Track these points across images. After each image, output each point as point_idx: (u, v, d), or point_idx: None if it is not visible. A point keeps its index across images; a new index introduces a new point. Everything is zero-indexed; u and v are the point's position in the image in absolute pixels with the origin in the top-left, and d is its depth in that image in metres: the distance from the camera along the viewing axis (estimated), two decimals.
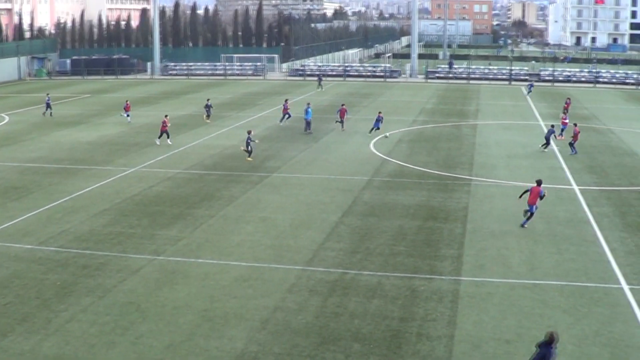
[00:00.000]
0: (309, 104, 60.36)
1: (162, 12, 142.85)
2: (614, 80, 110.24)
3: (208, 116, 63.70)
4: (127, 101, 65.87)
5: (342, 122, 58.68)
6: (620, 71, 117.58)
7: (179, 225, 32.25)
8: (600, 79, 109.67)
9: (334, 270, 26.62)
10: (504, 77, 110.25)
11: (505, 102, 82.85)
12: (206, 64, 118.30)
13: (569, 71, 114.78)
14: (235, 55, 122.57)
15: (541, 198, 32.66)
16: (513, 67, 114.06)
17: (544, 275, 26.63)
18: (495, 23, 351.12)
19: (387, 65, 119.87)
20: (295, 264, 27.27)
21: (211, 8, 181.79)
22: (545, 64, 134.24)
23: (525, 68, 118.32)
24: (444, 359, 19.96)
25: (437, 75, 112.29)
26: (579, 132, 51.16)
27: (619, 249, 29.86)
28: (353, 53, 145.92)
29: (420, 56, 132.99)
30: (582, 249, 29.80)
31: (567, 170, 44.73)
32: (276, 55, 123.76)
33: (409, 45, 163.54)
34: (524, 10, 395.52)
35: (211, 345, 20.59)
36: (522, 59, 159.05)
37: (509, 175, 43.20)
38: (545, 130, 54.47)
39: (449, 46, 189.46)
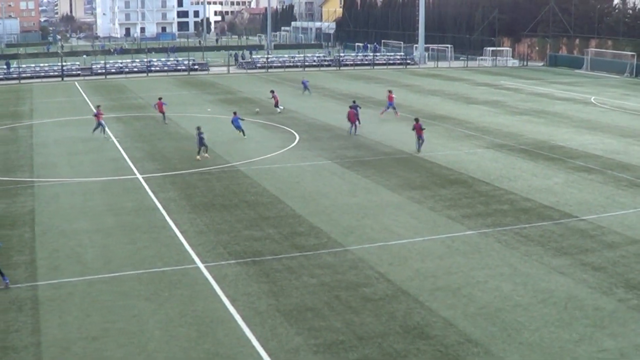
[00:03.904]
0: None
1: None
2: (165, 68, 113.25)
3: None
4: None
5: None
6: (171, 59, 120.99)
7: None
8: (153, 68, 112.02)
9: None
10: (56, 73, 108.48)
11: (60, 98, 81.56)
12: None
13: (121, 62, 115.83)
14: None
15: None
16: (65, 63, 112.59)
17: (120, 266, 26.84)
18: (43, 19, 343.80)
19: None
20: None
21: None
22: (97, 57, 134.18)
23: (77, 63, 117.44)
24: None
25: None
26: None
27: (189, 230, 30.93)
28: None
29: None
30: (154, 235, 30.44)
31: (129, 160, 45.27)
32: None
33: None
34: (71, 5, 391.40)
35: None
36: (74, 53, 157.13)
37: (72, 172, 42.75)
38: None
39: None
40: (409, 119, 57.90)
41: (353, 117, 52.82)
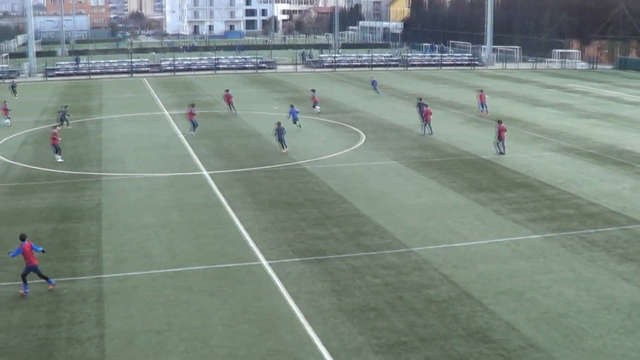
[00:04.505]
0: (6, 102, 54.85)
1: None
2: (233, 65, 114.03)
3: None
4: None
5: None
6: (239, 57, 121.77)
7: None
8: (220, 66, 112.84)
9: None
10: (125, 69, 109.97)
11: (128, 94, 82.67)
12: None
13: (190, 60, 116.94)
14: None
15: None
16: (133, 60, 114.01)
17: (185, 261, 27.05)
18: (113, 16, 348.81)
19: (4, 65, 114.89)
20: None
21: None
22: (165, 54, 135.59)
23: (146, 59, 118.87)
24: (97, 359, 19.65)
25: (57, 72, 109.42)
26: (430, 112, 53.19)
27: (254, 227, 31.03)
28: None
29: (38, 54, 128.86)
30: (219, 231, 30.63)
31: (196, 157, 45.61)
32: None
33: (25, 44, 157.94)
34: (141, 2, 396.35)
35: None
36: (142, 50, 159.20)
37: (139, 167, 43.25)
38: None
39: (67, 42, 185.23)
40: (479, 120, 57.51)
41: (428, 116, 52.44)
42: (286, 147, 46.55)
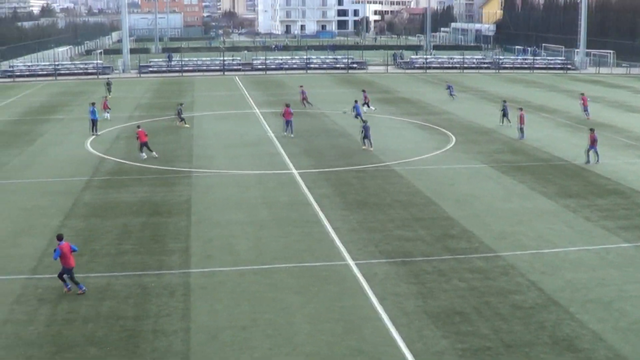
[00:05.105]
0: (93, 103, 56.80)
1: None
2: (324, 65, 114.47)
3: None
4: None
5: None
6: (330, 57, 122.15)
7: None
8: (311, 65, 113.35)
9: None
10: (217, 67, 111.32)
11: (220, 92, 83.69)
12: None
13: (281, 59, 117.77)
14: None
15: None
16: (225, 58, 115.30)
17: (272, 259, 27.23)
18: (205, 15, 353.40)
19: (99, 61, 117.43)
20: (20, 273, 26.10)
21: None
22: (257, 53, 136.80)
23: (238, 58, 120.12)
24: (182, 352, 19.90)
25: (150, 69, 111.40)
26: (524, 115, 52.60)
27: (341, 227, 31.07)
28: (63, 51, 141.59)
29: (132, 51, 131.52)
30: (307, 230, 30.74)
31: (286, 156, 45.89)
32: None
33: (120, 41, 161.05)
34: (233, 1, 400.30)
35: None
36: (234, 49, 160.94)
37: (229, 164, 43.71)
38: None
39: (161, 40, 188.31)
40: (572, 125, 56.63)
41: (523, 120, 51.61)
42: (372, 145, 46.93)
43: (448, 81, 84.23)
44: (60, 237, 24.31)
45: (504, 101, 59.76)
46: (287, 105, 54.53)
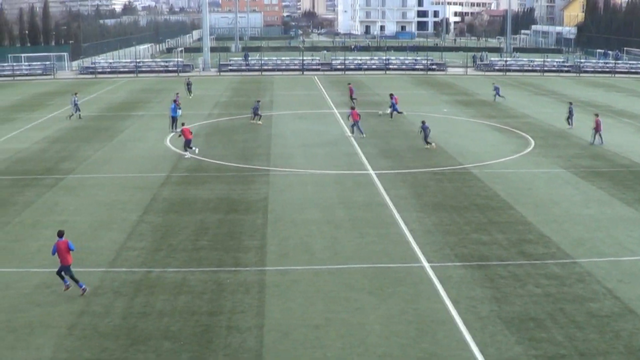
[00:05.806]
0: (175, 100, 57.60)
1: None
2: (403, 66, 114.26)
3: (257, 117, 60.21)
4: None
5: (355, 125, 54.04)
6: (409, 58, 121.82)
7: None
8: (390, 66, 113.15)
9: (138, 269, 26.22)
10: (296, 67, 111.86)
11: (299, 92, 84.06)
12: None
13: (360, 59, 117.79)
14: (23, 55, 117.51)
15: None
16: (305, 57, 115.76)
17: (347, 259, 27.28)
18: (285, 14, 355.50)
19: (180, 59, 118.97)
20: (98, 266, 26.63)
21: None
22: (336, 53, 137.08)
23: (317, 58, 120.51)
24: (255, 349, 20.07)
25: (230, 68, 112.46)
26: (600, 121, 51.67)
27: (417, 229, 30.98)
28: (144, 48, 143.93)
29: (212, 49, 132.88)
30: (382, 231, 30.72)
31: (363, 156, 45.91)
32: (65, 54, 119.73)
33: (200, 39, 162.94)
34: (313, 1, 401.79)
35: (18, 356, 19.76)
36: (314, 49, 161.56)
37: (306, 163, 43.90)
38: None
39: (241, 38, 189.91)
40: None
41: (599, 126, 50.72)
42: (431, 143, 48.13)
43: (495, 82, 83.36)
44: (60, 234, 24.05)
45: (570, 103, 59.61)
46: (353, 108, 55.37)
